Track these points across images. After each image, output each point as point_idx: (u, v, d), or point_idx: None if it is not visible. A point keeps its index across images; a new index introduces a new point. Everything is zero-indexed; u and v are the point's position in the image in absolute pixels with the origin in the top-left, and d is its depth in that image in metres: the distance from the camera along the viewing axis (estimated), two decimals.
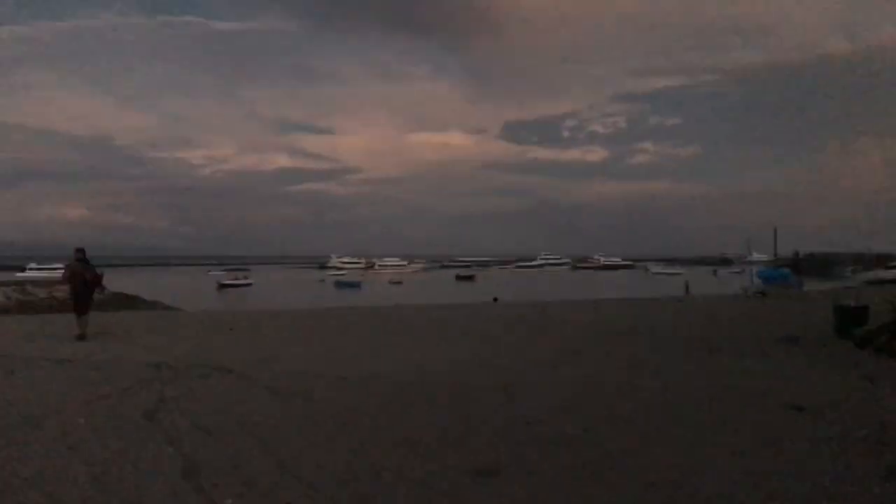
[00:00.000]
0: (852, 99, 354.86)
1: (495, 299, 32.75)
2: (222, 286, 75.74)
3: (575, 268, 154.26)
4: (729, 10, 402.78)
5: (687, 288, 72.62)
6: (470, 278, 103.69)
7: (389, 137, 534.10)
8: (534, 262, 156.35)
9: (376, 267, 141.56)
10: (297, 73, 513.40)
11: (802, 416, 6.70)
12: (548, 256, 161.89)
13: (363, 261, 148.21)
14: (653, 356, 11.02)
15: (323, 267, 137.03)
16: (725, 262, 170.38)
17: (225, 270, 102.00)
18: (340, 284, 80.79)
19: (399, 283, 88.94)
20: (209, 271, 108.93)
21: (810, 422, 6.44)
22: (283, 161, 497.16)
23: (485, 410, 6.91)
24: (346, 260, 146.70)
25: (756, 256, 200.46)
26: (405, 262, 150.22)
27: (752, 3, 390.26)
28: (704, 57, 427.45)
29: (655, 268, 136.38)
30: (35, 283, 34.09)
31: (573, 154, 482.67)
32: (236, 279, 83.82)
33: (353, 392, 7.87)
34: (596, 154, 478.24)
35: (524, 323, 16.78)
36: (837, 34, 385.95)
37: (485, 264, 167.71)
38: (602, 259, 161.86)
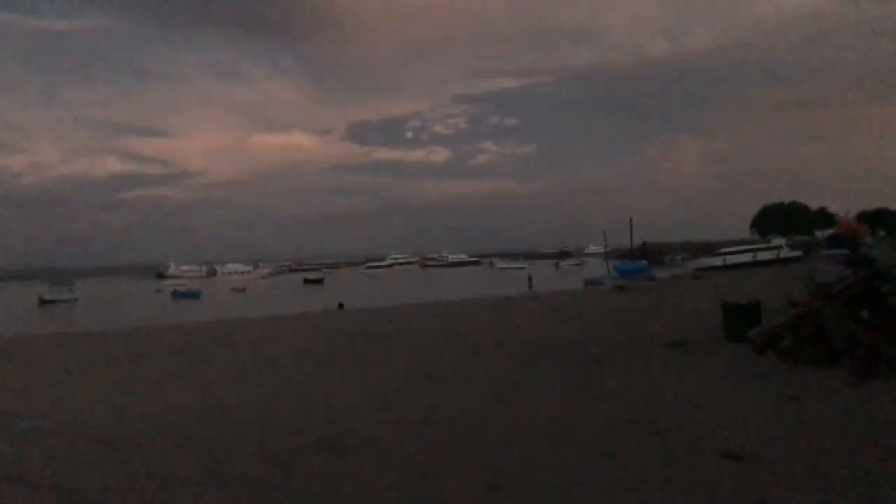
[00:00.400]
0: (673, 99, 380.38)
1: (341, 305, 30.16)
2: (44, 302, 68.59)
3: (424, 266, 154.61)
4: (561, 13, 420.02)
5: (530, 282, 73.60)
6: (318, 282, 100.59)
7: (231, 139, 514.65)
8: (383, 263, 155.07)
9: (219, 274, 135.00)
10: (130, 74, 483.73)
11: (747, 469, 5.04)
12: (397, 256, 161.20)
13: (205, 268, 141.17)
14: (528, 375, 9.22)
15: (161, 276, 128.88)
16: (565, 255, 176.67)
17: (50, 284, 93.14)
18: (178, 294, 75.26)
19: (243, 290, 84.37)
20: (34, 286, 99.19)
21: (767, 479, 4.77)
22: (116, 166, 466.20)
23: None
24: (185, 268, 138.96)
25: (592, 248, 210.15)
26: (250, 268, 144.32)
27: (583, 7, 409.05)
28: (540, 58, 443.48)
29: (500, 263, 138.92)
30: None
31: (418, 154, 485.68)
32: (60, 294, 76.30)
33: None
34: (440, 154, 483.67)
35: (370, 334, 14.65)
36: (658, 38, 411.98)
37: (334, 266, 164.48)
38: (449, 256, 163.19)
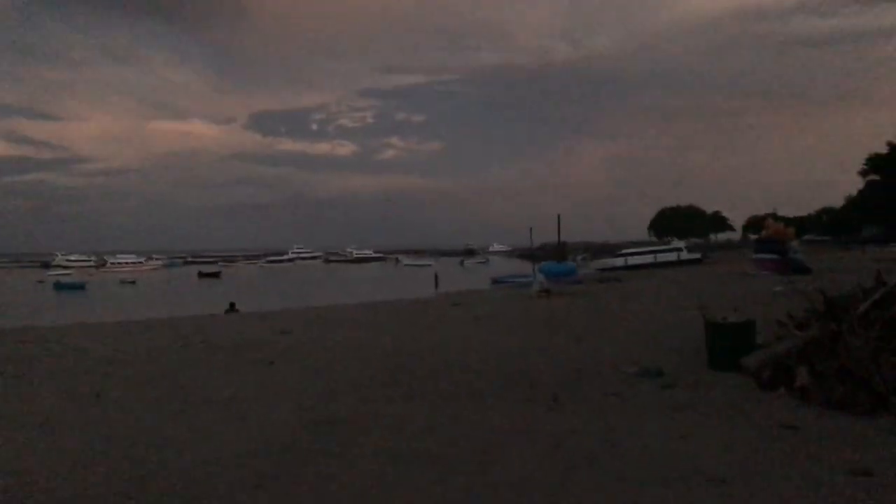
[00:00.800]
0: (576, 102, 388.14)
1: (232, 306, 26.12)
2: None
3: (327, 261, 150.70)
4: (470, 13, 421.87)
5: (436, 280, 71.56)
6: (215, 275, 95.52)
7: (127, 125, 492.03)
8: (285, 257, 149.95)
9: (108, 265, 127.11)
10: (17, 52, 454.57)
11: None
12: (300, 250, 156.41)
13: (93, 258, 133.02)
14: (474, 421, 6.65)
15: (47, 266, 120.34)
16: (470, 253, 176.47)
17: None
18: (61, 286, 69.22)
19: (132, 282, 78.87)
20: None
21: None
22: (0, 149, 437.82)
23: None
24: (73, 258, 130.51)
25: (496, 247, 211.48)
26: (142, 260, 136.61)
27: (491, 7, 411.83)
28: (448, 56, 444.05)
29: (406, 260, 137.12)
30: None
31: (323, 147, 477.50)
32: None
33: None
34: (345, 148, 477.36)
35: (256, 351, 11.61)
36: (562, 42, 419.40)
37: (232, 259, 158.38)
38: (354, 252, 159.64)
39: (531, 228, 43.28)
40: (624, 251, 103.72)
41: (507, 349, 10.73)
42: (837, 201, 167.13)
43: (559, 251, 34.86)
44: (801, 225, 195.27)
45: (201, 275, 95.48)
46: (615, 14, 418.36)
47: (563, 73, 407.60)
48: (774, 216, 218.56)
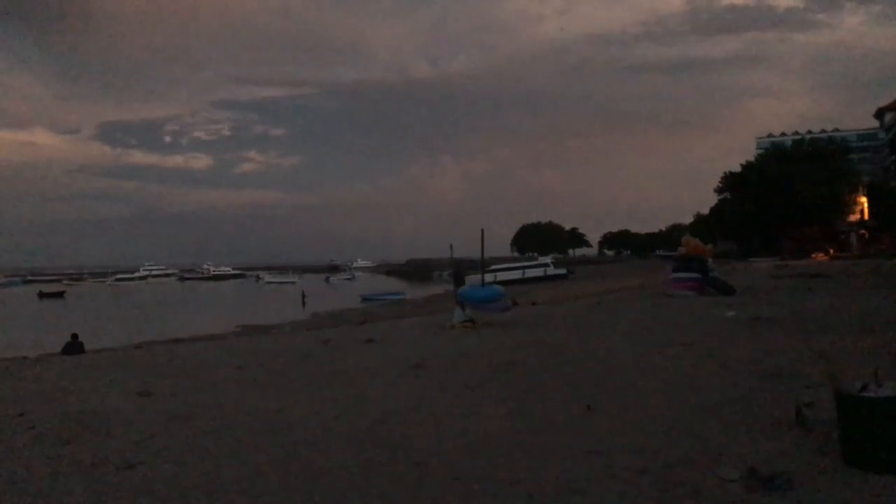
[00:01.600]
0: (437, 120, 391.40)
1: (74, 339, 20.76)
2: None
3: (182, 279, 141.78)
4: (330, 28, 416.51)
5: (304, 299, 67.40)
6: (58, 295, 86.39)
7: None
8: (136, 274, 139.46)
9: None
10: None
11: None
12: (152, 267, 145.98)
13: None
14: None
15: None
16: (334, 269, 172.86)
17: None
18: None
19: None
20: None
21: None
22: None
23: None
24: None
25: (360, 262, 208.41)
26: None
27: (351, 23, 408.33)
28: (307, 70, 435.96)
29: (268, 276, 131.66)
30: None
31: (176, 160, 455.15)
32: None
33: None
34: (200, 161, 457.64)
35: (95, 450, 7.23)
36: (421, 60, 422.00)
37: (78, 277, 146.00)
38: (211, 268, 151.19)
39: (451, 245, 40.23)
40: (493, 267, 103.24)
41: (506, 437, 7.20)
42: (686, 218, 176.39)
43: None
44: (657, 240, 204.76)
45: (42, 295, 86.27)
46: (474, 36, 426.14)
47: (423, 91, 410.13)
48: (628, 232, 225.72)
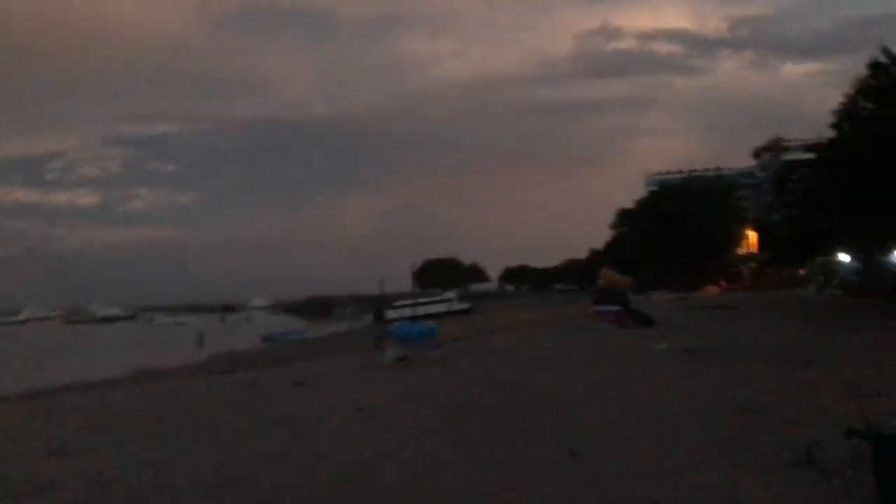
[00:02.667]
0: (340, 156, 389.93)
1: None
2: None
3: (68, 322, 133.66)
4: (225, 63, 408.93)
5: (201, 339, 64.40)
6: None
7: None
8: (15, 319, 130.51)
9: None
10: None
11: None
12: (33, 311, 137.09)
13: None
14: None
15: None
16: (229, 308, 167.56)
17: None
18: None
19: None
20: None
21: None
22: None
23: None
24: None
25: (256, 301, 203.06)
26: None
27: (247, 59, 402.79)
28: (202, 105, 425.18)
29: (162, 318, 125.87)
30: None
31: (62, 197, 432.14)
32: None
33: None
34: (88, 198, 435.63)
35: None
36: (322, 96, 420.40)
37: None
38: (99, 311, 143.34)
39: (381, 279, 39.07)
40: (398, 303, 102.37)
41: (489, 493, 6.40)
42: (581, 254, 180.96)
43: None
44: (554, 275, 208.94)
45: None
46: (375, 74, 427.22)
47: (325, 128, 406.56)
48: (527, 267, 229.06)
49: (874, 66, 25.92)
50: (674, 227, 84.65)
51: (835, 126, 28.55)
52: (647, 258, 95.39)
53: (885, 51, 25.88)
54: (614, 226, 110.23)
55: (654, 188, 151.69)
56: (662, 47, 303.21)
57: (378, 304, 35.31)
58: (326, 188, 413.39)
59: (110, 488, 6.57)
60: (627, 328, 23.40)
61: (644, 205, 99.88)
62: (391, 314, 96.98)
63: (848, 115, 27.64)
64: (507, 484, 6.37)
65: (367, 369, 15.14)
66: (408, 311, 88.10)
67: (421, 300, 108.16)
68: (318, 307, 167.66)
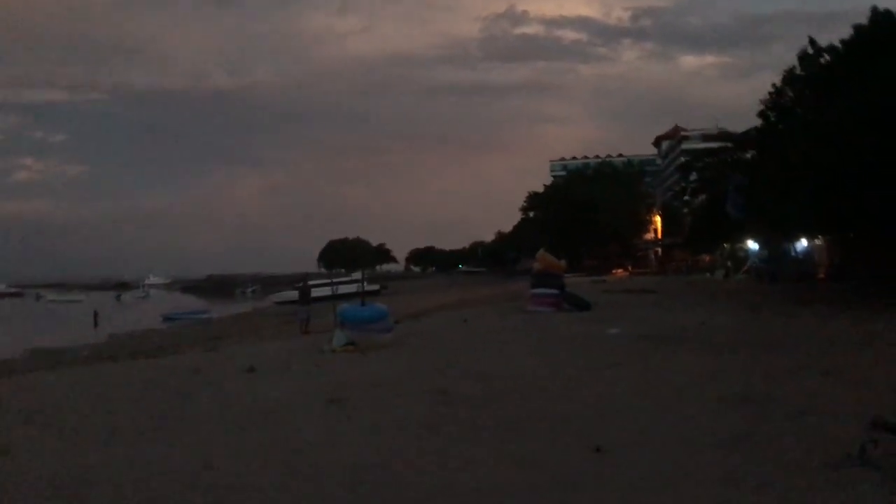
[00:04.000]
0: (236, 131, 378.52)
1: None
2: None
3: None
4: (119, 31, 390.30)
5: (96, 319, 61.08)
6: None
7: None
8: None
9: None
10: None
11: None
12: None
13: None
14: None
15: None
16: (124, 285, 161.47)
17: None
18: None
19: None
20: None
21: None
22: None
23: None
24: None
25: (154, 279, 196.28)
26: None
27: (142, 27, 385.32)
28: (94, 74, 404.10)
29: (51, 295, 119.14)
30: None
31: None
32: None
33: None
34: None
35: None
36: (219, 68, 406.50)
37: None
38: None
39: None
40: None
41: (524, 494, 5.80)
42: (488, 236, 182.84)
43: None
44: (460, 256, 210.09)
45: None
46: (274, 47, 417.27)
47: (221, 100, 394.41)
48: (433, 249, 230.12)
49: (802, 58, 26.55)
50: (584, 212, 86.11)
51: (761, 115, 29.20)
52: (556, 242, 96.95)
53: (812, 42, 26.53)
54: (524, 209, 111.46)
55: (561, 173, 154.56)
56: (568, 34, 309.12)
57: (304, 284, 33.74)
58: (224, 163, 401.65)
59: (65, 499, 5.55)
60: (563, 311, 23.26)
61: (554, 189, 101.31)
62: (294, 295, 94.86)
63: (775, 105, 28.27)
64: (544, 485, 5.76)
65: (317, 354, 14.22)
66: (315, 292, 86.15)
67: (327, 280, 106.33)
68: (218, 286, 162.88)
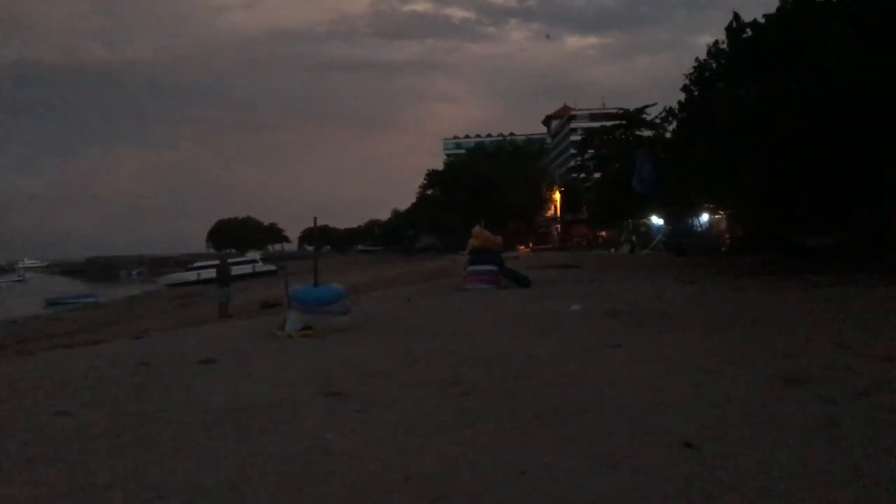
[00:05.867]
0: (114, 107, 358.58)
1: None
2: None
3: None
4: None
5: None
6: None
7: None
8: None
9: None
10: None
11: None
12: None
13: None
14: None
15: None
16: None
17: None
18: None
19: None
20: None
21: None
22: None
23: None
24: None
25: (28, 262, 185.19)
26: None
27: None
28: None
29: None
30: None
31: None
32: None
33: None
34: None
35: None
36: (95, 41, 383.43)
37: None
38: None
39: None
40: (197, 264, 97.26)
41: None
42: (383, 214, 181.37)
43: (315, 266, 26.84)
44: (356, 235, 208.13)
45: None
46: (153, 20, 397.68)
47: (100, 75, 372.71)
48: (328, 227, 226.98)
49: (727, 30, 26.74)
50: (485, 189, 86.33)
51: (685, 89, 29.35)
52: (458, 219, 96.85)
53: (736, 16, 26.75)
54: (424, 187, 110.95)
55: (455, 151, 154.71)
56: (456, 12, 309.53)
57: (222, 264, 31.71)
58: (101, 141, 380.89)
59: None
60: (501, 287, 22.65)
61: (456, 166, 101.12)
62: (187, 276, 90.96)
63: (698, 80, 28.45)
64: (660, 495, 4.88)
65: (270, 341, 12.89)
66: (209, 273, 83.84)
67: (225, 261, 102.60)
68: (100, 268, 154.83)
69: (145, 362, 10.60)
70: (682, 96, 30.25)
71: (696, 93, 29.08)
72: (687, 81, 29.21)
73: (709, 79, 28.09)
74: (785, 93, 21.21)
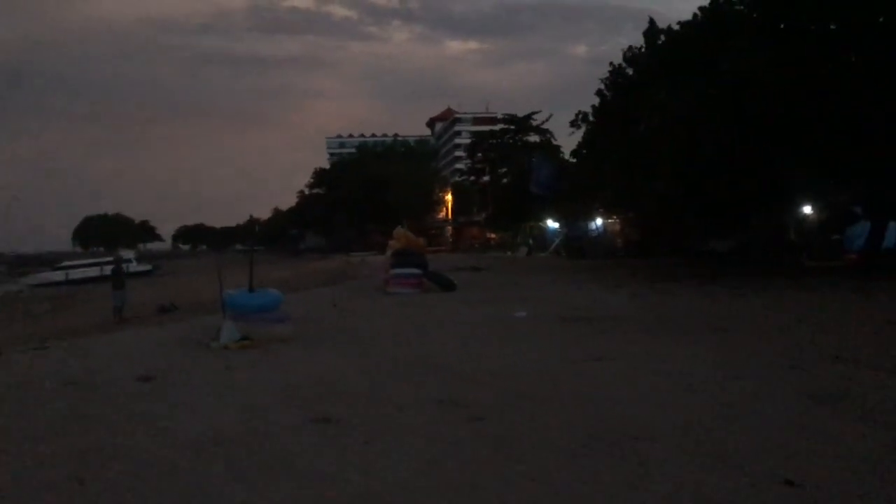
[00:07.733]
0: None
1: None
2: None
3: None
4: None
5: None
6: None
7: None
8: None
9: None
10: None
11: None
12: None
13: None
14: None
15: None
16: None
17: None
18: None
19: None
20: None
21: None
22: None
23: None
24: None
25: None
26: None
27: None
28: None
29: None
30: None
31: None
32: None
33: None
34: None
35: None
36: None
37: None
38: None
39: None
40: (66, 264, 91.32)
41: None
42: (263, 213, 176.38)
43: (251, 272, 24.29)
44: (234, 234, 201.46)
45: None
46: (19, 4, 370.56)
47: None
48: (203, 226, 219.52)
49: (645, 35, 26.91)
50: (376, 189, 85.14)
51: (598, 93, 29.37)
52: (345, 219, 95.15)
53: (652, 22, 26.96)
54: (310, 185, 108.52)
55: (339, 150, 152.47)
56: (338, 10, 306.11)
57: (117, 265, 28.94)
58: None
59: None
60: (425, 290, 21.72)
61: (344, 165, 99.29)
62: (55, 276, 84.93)
63: (613, 84, 28.53)
64: None
65: (204, 353, 11.40)
66: (79, 273, 78.86)
67: (93, 260, 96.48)
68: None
69: (69, 380, 8.98)
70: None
71: (609, 98, 29.14)
72: (602, 86, 29.25)
73: (623, 84, 28.19)
74: (707, 98, 21.40)
